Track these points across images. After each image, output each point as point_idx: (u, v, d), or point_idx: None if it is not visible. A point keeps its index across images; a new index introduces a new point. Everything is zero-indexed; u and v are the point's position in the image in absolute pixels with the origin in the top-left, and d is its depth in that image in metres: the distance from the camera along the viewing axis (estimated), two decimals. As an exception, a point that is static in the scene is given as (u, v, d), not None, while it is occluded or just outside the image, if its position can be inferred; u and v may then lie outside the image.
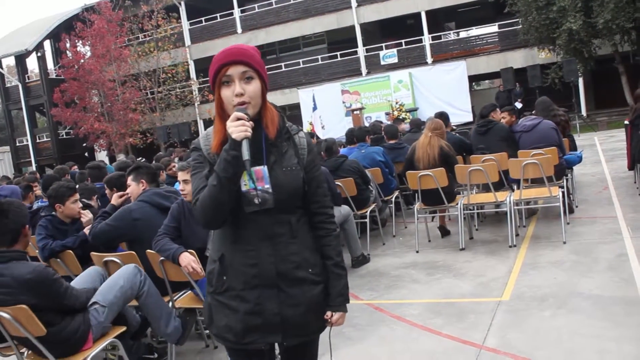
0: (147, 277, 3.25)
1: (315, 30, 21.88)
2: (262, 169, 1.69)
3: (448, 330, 3.49)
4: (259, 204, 1.68)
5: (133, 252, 3.47)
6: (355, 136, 7.19)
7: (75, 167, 10.04)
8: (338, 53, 21.61)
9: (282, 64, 22.60)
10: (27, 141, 24.96)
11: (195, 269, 3.18)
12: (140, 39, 22.20)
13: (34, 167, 23.21)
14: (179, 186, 3.69)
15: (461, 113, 17.89)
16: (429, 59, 19.90)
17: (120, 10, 21.22)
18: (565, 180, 5.78)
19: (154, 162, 7.70)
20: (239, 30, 22.49)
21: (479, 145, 6.06)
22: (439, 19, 22.34)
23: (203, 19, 23.06)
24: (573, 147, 6.53)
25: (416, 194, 5.62)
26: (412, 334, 3.55)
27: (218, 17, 22.94)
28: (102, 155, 23.96)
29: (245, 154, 1.59)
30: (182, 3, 22.86)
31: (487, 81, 28.43)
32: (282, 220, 1.72)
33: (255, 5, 22.52)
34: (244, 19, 22.67)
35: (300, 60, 22.33)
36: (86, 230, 3.87)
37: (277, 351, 1.95)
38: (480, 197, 5.67)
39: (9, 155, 25.84)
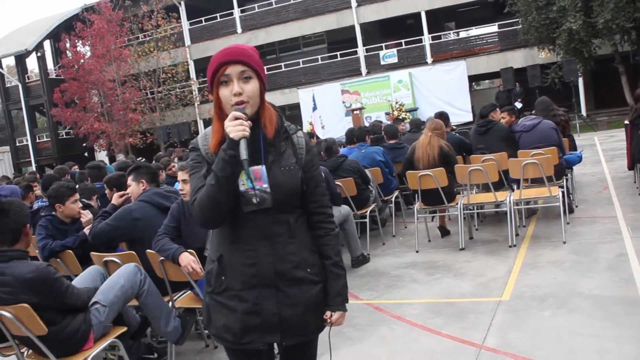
0: (147, 276, 3.25)
1: (315, 30, 21.87)
2: (260, 169, 1.68)
3: (448, 330, 3.49)
4: (257, 204, 1.67)
5: (133, 252, 3.48)
6: (355, 136, 7.19)
7: (75, 167, 10.02)
8: (338, 53, 21.61)
9: (282, 64, 22.59)
10: (27, 141, 24.96)
11: (195, 268, 3.19)
12: (140, 39, 22.20)
13: (33, 167, 23.22)
14: (178, 186, 3.70)
15: (461, 113, 17.88)
16: (429, 59, 19.90)
17: (120, 10, 21.23)
18: (565, 180, 5.78)
19: (153, 162, 7.70)
20: (239, 30, 22.49)
21: (479, 145, 6.06)
22: (439, 19, 22.33)
23: (203, 19, 23.06)
24: (573, 147, 6.53)
25: (416, 194, 5.62)
26: (412, 333, 3.54)
27: (218, 17, 22.93)
28: (102, 155, 23.96)
29: (243, 154, 1.58)
30: (182, 3, 22.86)
31: (487, 81, 28.43)
32: (280, 220, 1.72)
33: (255, 5, 22.51)
34: (243, 19, 22.67)
35: (300, 60, 22.33)
36: (86, 230, 3.87)
37: (275, 351, 1.95)
38: (480, 197, 5.67)
39: (9, 155, 25.84)
